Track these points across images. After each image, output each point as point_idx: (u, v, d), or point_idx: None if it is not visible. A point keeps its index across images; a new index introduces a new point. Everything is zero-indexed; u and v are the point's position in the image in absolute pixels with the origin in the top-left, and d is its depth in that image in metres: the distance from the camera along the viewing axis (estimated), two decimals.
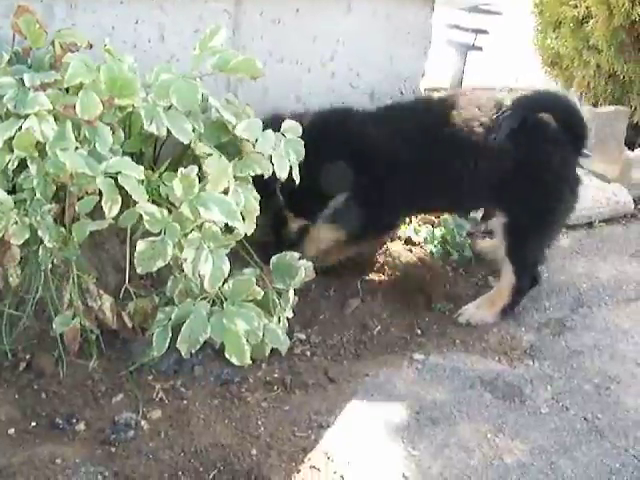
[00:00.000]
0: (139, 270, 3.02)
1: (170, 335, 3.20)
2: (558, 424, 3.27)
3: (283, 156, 3.37)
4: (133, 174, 2.90)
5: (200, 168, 3.08)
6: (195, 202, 2.98)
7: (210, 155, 3.15)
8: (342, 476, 2.87)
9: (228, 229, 3.14)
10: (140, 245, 2.99)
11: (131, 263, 3.11)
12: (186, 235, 3.02)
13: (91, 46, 3.24)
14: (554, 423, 3.27)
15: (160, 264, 3.01)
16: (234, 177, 3.18)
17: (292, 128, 3.48)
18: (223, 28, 3.29)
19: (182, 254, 3.01)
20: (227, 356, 3.21)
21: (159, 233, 2.98)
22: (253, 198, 3.23)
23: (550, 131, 3.82)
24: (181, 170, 3.00)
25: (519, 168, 3.75)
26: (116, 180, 2.87)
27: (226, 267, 3.08)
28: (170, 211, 3.02)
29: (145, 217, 2.94)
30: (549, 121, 3.82)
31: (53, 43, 3.14)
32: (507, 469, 3.00)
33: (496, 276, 4.16)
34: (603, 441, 3.20)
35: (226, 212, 3.01)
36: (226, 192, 3.09)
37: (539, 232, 3.97)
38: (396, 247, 4.35)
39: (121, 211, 2.97)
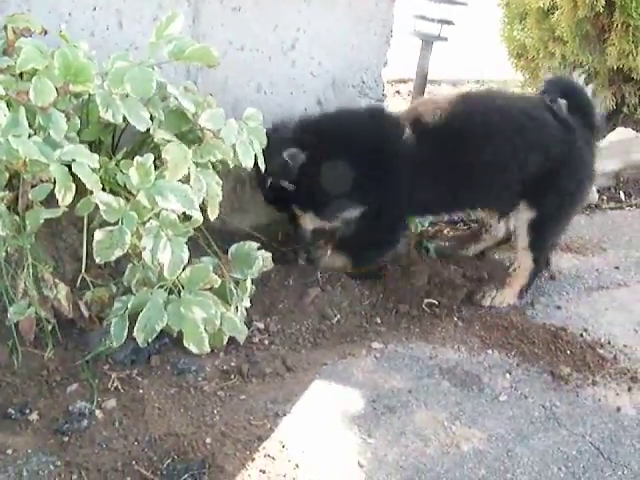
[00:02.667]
0: (98, 260, 3.00)
1: (128, 324, 3.18)
2: (516, 412, 3.27)
3: (247, 144, 3.35)
4: (87, 162, 2.87)
5: (159, 156, 3.06)
6: (152, 190, 2.96)
7: (169, 142, 3.12)
8: (297, 464, 2.86)
9: (186, 217, 3.12)
10: (98, 234, 2.96)
11: (89, 252, 3.08)
12: (144, 224, 2.99)
13: (45, 32, 3.19)
14: (512, 411, 3.28)
15: (118, 253, 2.99)
16: (195, 164, 3.16)
17: (254, 115, 3.47)
18: (180, 15, 3.25)
19: (140, 243, 2.99)
20: (185, 344, 3.21)
21: (116, 222, 2.96)
22: (215, 183, 3.21)
23: (576, 126, 3.92)
24: (137, 158, 2.98)
25: (550, 164, 3.88)
26: (71, 168, 2.84)
27: (185, 255, 3.07)
28: (128, 200, 3.00)
29: (101, 207, 2.92)
30: (573, 117, 3.93)
31: (6, 28, 3.09)
32: (463, 456, 2.99)
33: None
34: (560, 429, 3.21)
35: (183, 200, 2.99)
36: (187, 179, 3.07)
37: (562, 223, 4.16)
38: None
39: (78, 200, 2.95)
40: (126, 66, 3.08)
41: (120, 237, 2.96)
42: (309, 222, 4.01)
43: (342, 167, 3.69)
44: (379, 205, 3.87)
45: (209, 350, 3.24)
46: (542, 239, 4.10)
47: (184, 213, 3.06)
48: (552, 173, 3.90)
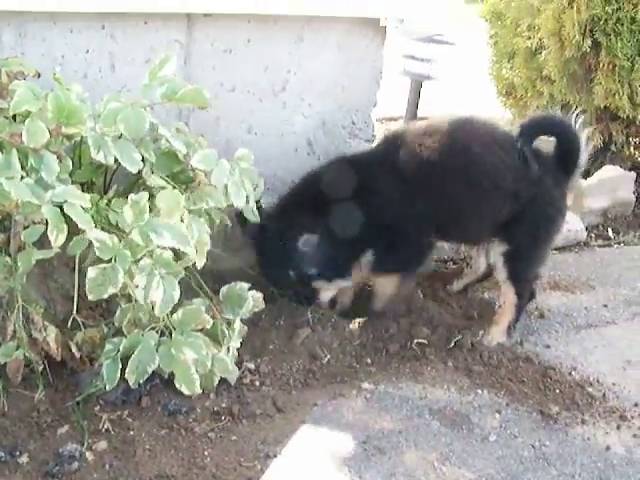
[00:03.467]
0: (90, 297, 3.01)
1: (120, 366, 3.18)
2: (505, 452, 3.28)
3: (239, 185, 3.38)
4: (79, 202, 2.89)
5: (151, 196, 3.09)
6: (146, 228, 2.98)
7: (162, 188, 3.15)
8: None
9: (177, 257, 3.15)
10: (91, 272, 2.98)
11: (80, 293, 3.10)
12: (137, 262, 3.01)
13: (39, 75, 3.24)
14: (501, 451, 3.29)
15: (111, 291, 3.00)
16: (187, 210, 3.19)
17: (245, 156, 3.51)
18: (173, 58, 3.31)
19: (134, 281, 3.00)
20: (177, 385, 3.22)
21: (109, 260, 2.97)
22: (205, 233, 3.23)
23: (550, 164, 4.02)
24: (131, 196, 3.01)
25: (523, 202, 3.96)
26: (62, 209, 2.87)
27: (176, 293, 3.08)
28: (120, 239, 3.01)
29: (96, 244, 2.93)
30: (547, 154, 4.03)
31: (0, 71, 3.13)
32: None
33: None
34: (550, 468, 3.22)
35: (177, 237, 3.02)
36: None
37: (537, 254, 4.19)
38: None
39: (69, 240, 2.97)
40: (119, 107, 3.12)
41: (113, 275, 2.97)
42: (332, 290, 4.05)
43: (349, 224, 3.73)
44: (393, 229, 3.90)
45: (200, 391, 3.25)
46: (519, 270, 4.13)
47: (175, 254, 3.09)
48: (520, 212, 3.98)
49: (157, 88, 3.26)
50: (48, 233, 2.85)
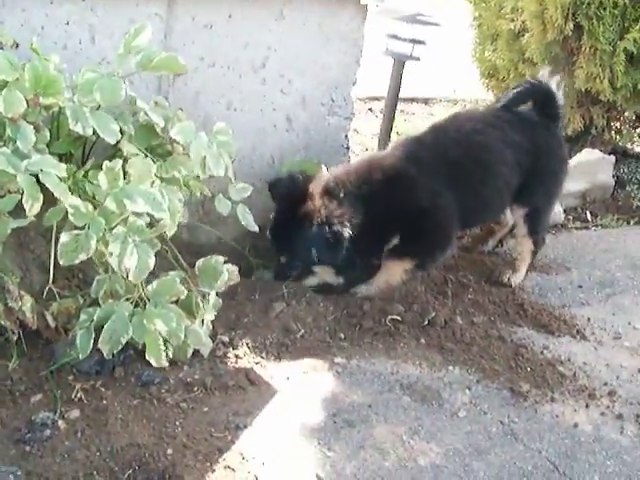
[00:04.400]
0: (62, 262, 3.02)
1: (93, 336, 3.20)
2: (474, 427, 3.34)
3: (217, 157, 3.41)
4: (54, 171, 2.91)
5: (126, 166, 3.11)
6: (120, 195, 3.00)
7: (135, 155, 3.17)
8: (256, 476, 2.90)
9: (151, 225, 3.17)
10: (64, 237, 3.00)
11: (56, 263, 3.11)
12: (111, 230, 3.02)
13: (17, 45, 3.24)
14: (470, 426, 3.34)
15: (83, 257, 3.02)
16: (160, 178, 3.21)
17: (223, 130, 3.53)
18: (148, 27, 3.33)
19: (108, 248, 3.01)
20: (147, 357, 3.23)
21: (83, 227, 2.99)
22: (177, 200, 3.25)
23: (551, 127, 4.51)
24: (106, 163, 3.04)
25: (534, 166, 4.37)
26: (39, 179, 2.88)
27: (151, 261, 3.09)
28: (95, 207, 3.03)
29: (70, 210, 2.96)
30: (547, 119, 4.49)
31: None
32: (420, 470, 3.05)
33: None
34: (517, 444, 3.27)
35: (151, 203, 3.03)
36: None
37: (550, 209, 4.75)
38: None
39: (46, 210, 2.98)
40: (96, 77, 3.15)
41: (86, 241, 2.99)
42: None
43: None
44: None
45: (167, 364, 3.26)
46: (538, 226, 4.62)
47: (150, 221, 3.11)
48: (530, 176, 4.36)
49: (132, 57, 3.28)
50: (23, 202, 2.88)
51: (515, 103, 4.48)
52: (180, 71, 3.35)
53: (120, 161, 3.07)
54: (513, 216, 4.69)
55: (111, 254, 3.02)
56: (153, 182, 3.13)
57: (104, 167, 3.02)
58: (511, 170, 4.30)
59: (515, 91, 4.56)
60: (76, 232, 3.00)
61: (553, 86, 4.50)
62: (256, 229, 3.91)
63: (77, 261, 3.03)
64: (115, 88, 3.14)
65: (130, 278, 3.08)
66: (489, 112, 4.68)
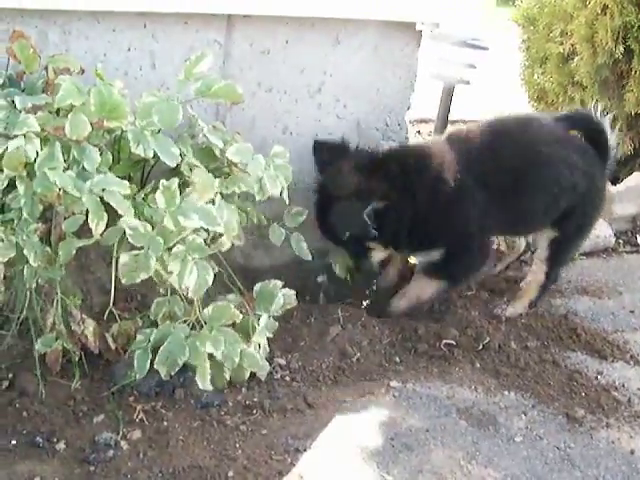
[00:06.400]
0: (124, 281, 3.08)
1: (150, 357, 3.25)
2: (531, 453, 3.33)
3: (274, 178, 3.46)
4: (118, 189, 2.98)
5: (186, 184, 3.19)
6: (176, 212, 3.06)
7: (197, 167, 3.23)
8: None
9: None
10: (123, 257, 3.06)
11: (116, 286, 3.17)
12: (170, 249, 3.08)
13: (83, 71, 3.30)
14: (527, 452, 3.33)
15: (144, 276, 3.07)
16: (220, 194, 3.26)
17: (281, 153, 3.58)
18: (209, 55, 3.39)
19: (168, 267, 3.06)
20: (196, 379, 3.26)
21: (142, 247, 3.05)
22: (234, 218, 3.29)
23: (594, 156, 4.26)
24: (162, 181, 3.09)
25: (573, 192, 4.16)
26: (102, 199, 2.96)
27: (210, 277, 3.15)
28: (153, 227, 3.09)
29: (129, 231, 3.01)
30: (590, 147, 4.27)
31: (47, 68, 3.21)
32: None
33: None
34: (574, 470, 3.26)
35: (206, 219, 3.09)
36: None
37: (580, 243, 4.59)
38: None
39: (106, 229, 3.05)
40: (154, 100, 3.22)
41: (145, 261, 3.05)
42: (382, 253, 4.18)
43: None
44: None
45: (211, 387, 3.27)
46: (561, 255, 4.42)
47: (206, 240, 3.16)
48: (577, 202, 4.19)
49: (192, 84, 3.35)
50: (89, 222, 2.95)
51: (564, 122, 4.33)
52: (236, 100, 3.41)
53: (176, 180, 3.12)
54: (539, 237, 4.42)
55: (171, 273, 3.07)
56: (214, 196, 3.20)
57: (161, 186, 3.08)
58: (564, 191, 4.14)
59: (565, 114, 4.52)
60: (135, 252, 3.05)
61: (605, 123, 4.30)
62: (309, 258, 3.96)
63: (138, 280, 3.08)
64: (173, 111, 3.20)
65: (190, 295, 3.14)
66: (555, 124, 4.34)
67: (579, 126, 4.36)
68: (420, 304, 4.19)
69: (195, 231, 3.13)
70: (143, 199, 3.20)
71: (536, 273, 4.42)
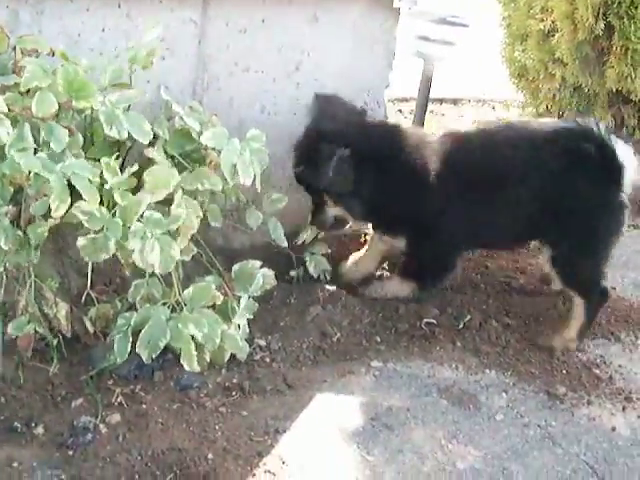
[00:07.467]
0: (86, 259, 3.08)
1: (131, 340, 3.22)
2: (512, 431, 3.34)
3: (247, 165, 3.41)
4: (86, 174, 2.95)
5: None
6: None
7: (157, 163, 3.20)
8: None
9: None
10: (81, 241, 3.05)
11: (94, 268, 3.15)
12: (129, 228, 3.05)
13: (53, 53, 3.26)
14: (508, 430, 3.34)
15: (105, 256, 3.06)
16: (182, 189, 3.22)
17: (257, 137, 3.53)
18: (159, 25, 3.38)
19: (129, 246, 3.03)
20: (181, 361, 3.24)
21: (101, 230, 3.03)
22: (195, 216, 3.24)
23: (594, 170, 3.82)
24: (103, 159, 3.06)
25: (561, 203, 3.87)
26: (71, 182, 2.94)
27: (175, 252, 3.10)
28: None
29: (82, 217, 2.99)
30: (584, 155, 3.82)
31: (15, 49, 3.17)
32: (459, 474, 3.06)
33: None
34: (555, 447, 3.28)
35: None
36: (170, 202, 3.15)
37: (587, 260, 4.00)
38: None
39: None
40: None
41: (104, 242, 3.03)
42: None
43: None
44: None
45: (199, 369, 3.26)
46: (570, 276, 4.02)
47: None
48: (558, 215, 3.90)
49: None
50: (50, 202, 2.91)
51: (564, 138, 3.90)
52: (146, 65, 3.37)
53: (115, 156, 3.13)
54: (542, 261, 4.14)
55: (133, 251, 3.04)
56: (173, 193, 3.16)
57: (102, 164, 3.05)
58: (535, 199, 3.89)
59: (562, 126, 4.03)
60: (92, 236, 3.03)
61: (611, 138, 3.82)
62: (286, 244, 3.95)
63: (101, 259, 3.08)
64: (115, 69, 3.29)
65: (156, 271, 3.11)
66: (542, 132, 3.99)
67: (580, 140, 3.87)
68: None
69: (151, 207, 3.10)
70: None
71: (572, 298, 4.05)
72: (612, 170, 3.82)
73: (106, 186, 3.04)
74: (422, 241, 4.03)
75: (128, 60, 3.32)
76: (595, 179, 3.83)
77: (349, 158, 3.78)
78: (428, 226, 3.98)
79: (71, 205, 2.95)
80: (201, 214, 3.31)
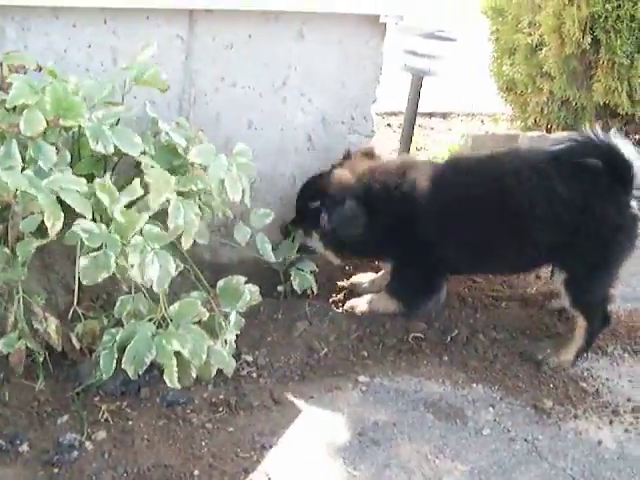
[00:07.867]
0: (85, 282, 3.06)
1: (116, 356, 3.21)
2: (498, 445, 3.34)
3: (235, 180, 3.42)
4: (75, 187, 2.95)
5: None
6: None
7: (153, 167, 3.20)
8: None
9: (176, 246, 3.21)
10: (83, 260, 3.03)
11: (80, 285, 3.14)
12: (128, 243, 3.05)
13: (40, 68, 3.27)
14: (495, 444, 3.34)
15: (105, 275, 3.05)
16: (178, 193, 3.22)
17: (244, 151, 3.54)
18: (154, 44, 3.41)
19: (128, 260, 3.03)
20: (164, 377, 3.23)
21: (101, 247, 3.02)
22: (193, 214, 3.24)
23: (601, 183, 3.76)
24: (96, 180, 3.07)
25: (575, 225, 3.79)
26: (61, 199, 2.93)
27: (172, 267, 3.13)
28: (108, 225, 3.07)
29: (83, 235, 2.99)
30: (598, 173, 3.75)
31: (1, 65, 3.17)
32: None
33: None
34: (542, 462, 3.28)
35: None
36: (163, 214, 3.15)
37: (599, 281, 3.97)
38: None
39: (69, 229, 3.01)
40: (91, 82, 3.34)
41: (106, 260, 3.03)
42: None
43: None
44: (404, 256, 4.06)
45: (179, 386, 3.23)
46: (582, 297, 3.96)
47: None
48: (572, 238, 3.82)
49: (130, 73, 3.37)
50: (45, 220, 2.90)
51: (567, 157, 3.81)
52: (162, 87, 3.43)
53: (108, 174, 3.15)
54: (556, 281, 4.06)
55: (132, 266, 3.04)
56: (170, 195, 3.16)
57: (96, 185, 3.05)
58: (544, 225, 3.80)
59: (569, 145, 3.85)
60: (94, 254, 3.02)
61: (621, 145, 3.73)
62: (273, 259, 3.93)
63: (100, 279, 3.06)
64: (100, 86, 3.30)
65: (154, 287, 3.11)
66: (545, 157, 3.89)
67: (585, 155, 3.80)
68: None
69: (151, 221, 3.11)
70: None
71: (576, 318, 4.00)
72: (622, 177, 3.74)
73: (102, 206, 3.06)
74: (408, 264, 4.07)
75: (133, 79, 3.35)
76: (602, 193, 3.77)
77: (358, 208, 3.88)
78: (415, 254, 4.00)
79: (65, 222, 2.95)
80: (199, 212, 3.31)
